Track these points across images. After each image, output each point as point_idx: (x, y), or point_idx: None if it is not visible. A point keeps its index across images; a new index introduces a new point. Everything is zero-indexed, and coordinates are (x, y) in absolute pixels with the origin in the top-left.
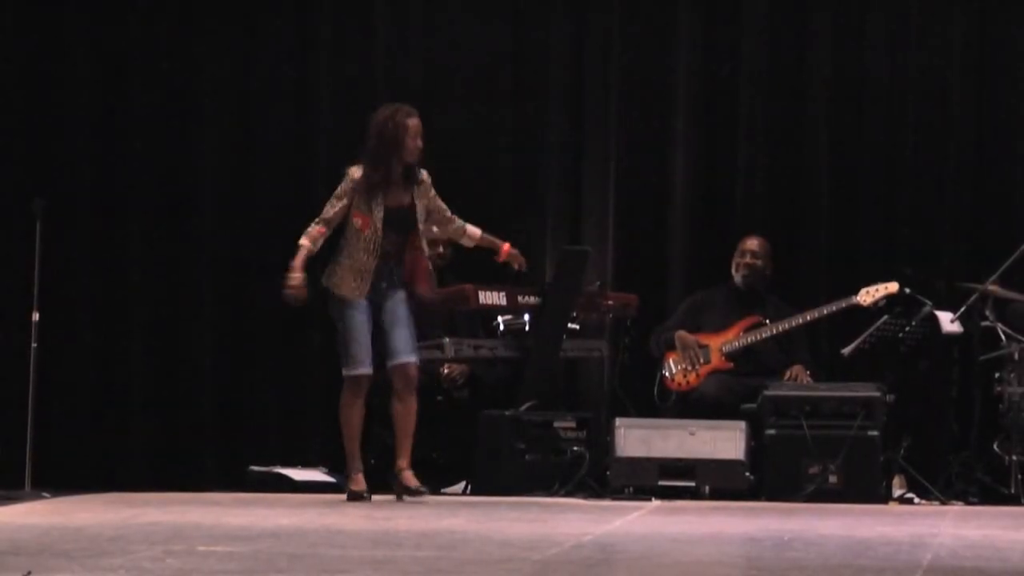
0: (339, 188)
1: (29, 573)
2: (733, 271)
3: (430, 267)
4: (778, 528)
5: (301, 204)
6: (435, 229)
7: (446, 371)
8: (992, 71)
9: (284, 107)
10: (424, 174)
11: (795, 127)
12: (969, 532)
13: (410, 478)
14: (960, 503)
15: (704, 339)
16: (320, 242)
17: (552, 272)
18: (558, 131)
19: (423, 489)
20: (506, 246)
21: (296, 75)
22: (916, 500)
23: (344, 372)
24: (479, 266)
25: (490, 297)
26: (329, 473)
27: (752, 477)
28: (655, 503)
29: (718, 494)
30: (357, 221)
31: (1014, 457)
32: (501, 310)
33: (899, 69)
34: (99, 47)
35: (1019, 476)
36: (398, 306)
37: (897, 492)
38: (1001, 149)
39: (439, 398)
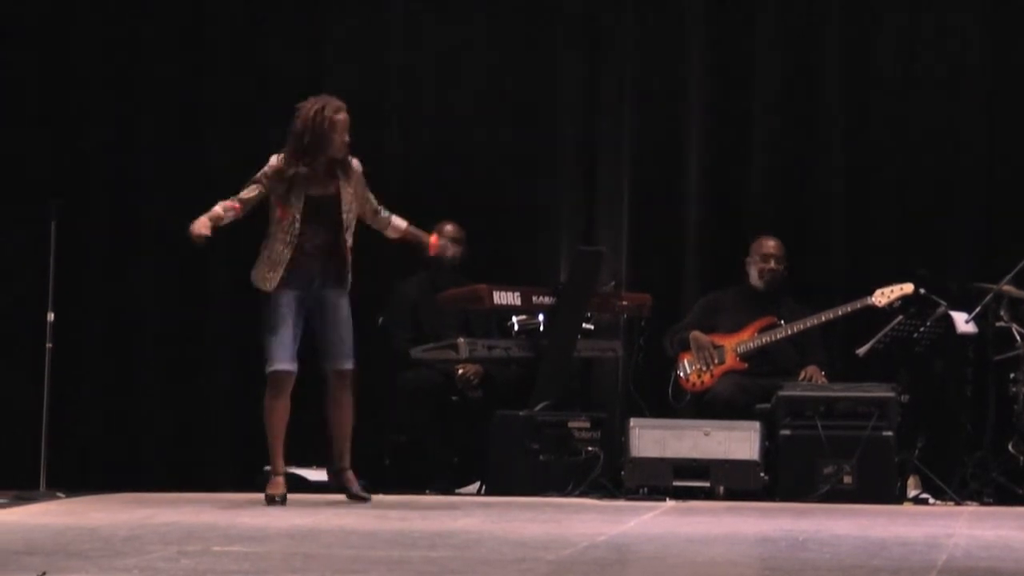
0: (257, 173)
1: (44, 573)
2: (751, 273)
3: (348, 261)
4: (792, 528)
5: None
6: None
7: (460, 371)
8: (1005, 71)
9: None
10: (355, 163)
11: (808, 128)
12: (984, 532)
13: (351, 480)
14: (975, 503)
15: (719, 339)
16: (230, 215)
17: (566, 272)
18: (572, 131)
19: (364, 495)
20: (434, 238)
21: (307, 75)
22: (931, 500)
23: (265, 368)
24: (493, 266)
25: (505, 297)
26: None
27: (766, 477)
28: (669, 503)
29: (732, 494)
30: (276, 211)
31: None
32: (515, 310)
33: (912, 69)
34: (112, 47)
35: None
36: (336, 306)
37: (912, 492)
38: (1015, 149)
39: (454, 398)
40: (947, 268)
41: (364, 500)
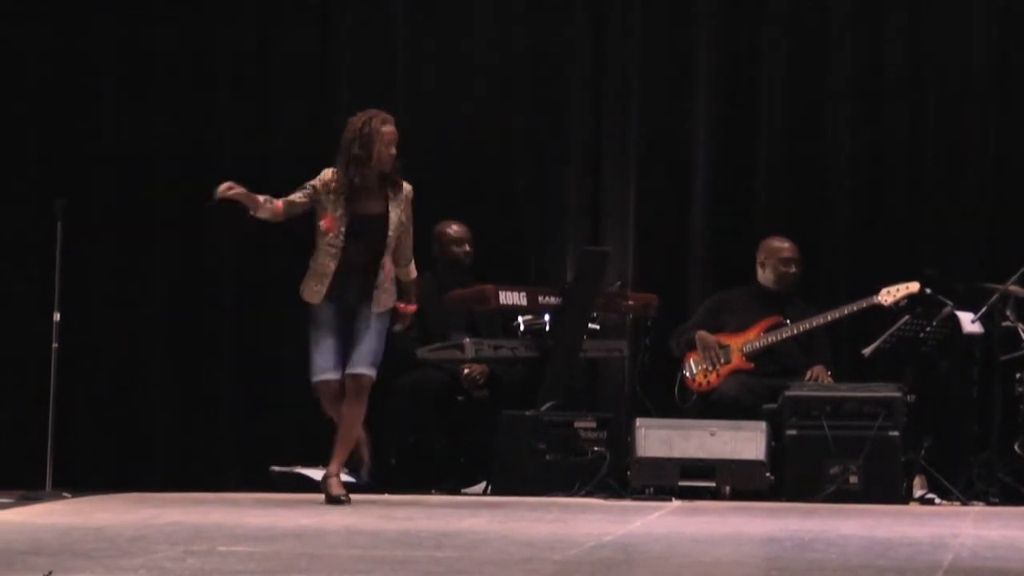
0: (307, 182)
1: (50, 573)
2: (763, 273)
3: (393, 283)
4: (798, 528)
5: None
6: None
7: (466, 371)
8: (1013, 71)
9: (303, 102)
10: (407, 188)
11: (816, 126)
12: (990, 533)
13: (335, 486)
14: (981, 504)
15: (725, 339)
16: (266, 209)
17: (572, 272)
18: (578, 131)
19: (344, 497)
20: (411, 308)
21: (317, 69)
22: (937, 501)
23: (311, 379)
24: (499, 266)
25: (511, 297)
26: (349, 473)
27: (772, 477)
28: (675, 503)
29: (738, 494)
30: (322, 223)
31: None
32: (521, 310)
33: (920, 68)
34: (119, 46)
35: None
36: (366, 317)
37: (918, 493)
38: (1022, 149)
39: (460, 398)
40: (953, 268)
41: (340, 503)
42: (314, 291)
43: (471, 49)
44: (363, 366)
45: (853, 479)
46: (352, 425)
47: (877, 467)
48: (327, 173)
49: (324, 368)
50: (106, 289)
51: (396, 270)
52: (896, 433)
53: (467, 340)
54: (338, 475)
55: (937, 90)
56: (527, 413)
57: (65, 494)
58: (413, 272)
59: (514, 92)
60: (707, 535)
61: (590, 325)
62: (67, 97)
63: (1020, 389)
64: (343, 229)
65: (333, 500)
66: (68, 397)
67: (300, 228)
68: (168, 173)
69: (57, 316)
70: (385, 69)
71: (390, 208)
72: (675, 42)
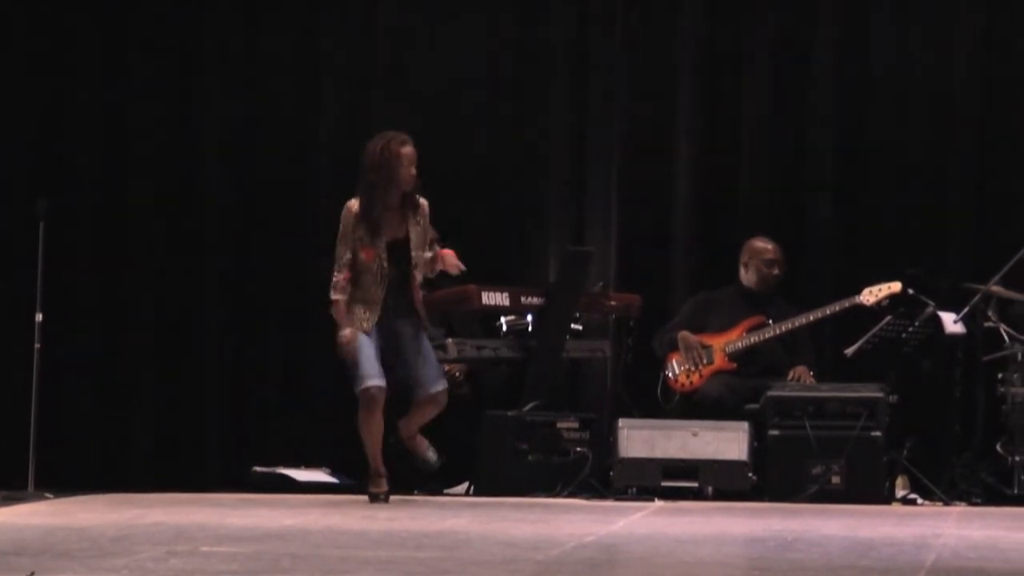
0: (340, 228)
1: (32, 574)
2: (746, 273)
3: (416, 296)
4: (781, 529)
5: (304, 201)
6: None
7: (447, 370)
8: (997, 71)
9: (287, 100)
10: (424, 205)
11: (799, 126)
12: (972, 533)
13: (421, 444)
14: (963, 504)
15: (707, 339)
16: (349, 288)
17: (555, 272)
18: (561, 131)
19: (432, 460)
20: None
21: (300, 65)
22: (919, 501)
23: (356, 390)
24: (482, 266)
25: (493, 297)
26: (332, 474)
27: (755, 478)
28: (658, 504)
29: (721, 495)
30: (362, 254)
31: (1017, 458)
32: (504, 310)
33: (904, 68)
34: (101, 45)
35: (1022, 477)
36: (414, 336)
37: (900, 493)
38: (1005, 149)
39: None
40: (936, 268)
41: (429, 464)
42: (364, 318)
43: (455, 49)
44: (440, 382)
45: (835, 479)
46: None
47: (859, 467)
48: (352, 205)
49: (373, 374)
50: (88, 289)
51: (421, 268)
52: (878, 433)
53: (449, 340)
54: (420, 435)
55: (920, 89)
56: (510, 413)
57: (47, 494)
58: (430, 254)
59: (497, 93)
60: (690, 535)
61: (573, 325)
62: (46, 95)
63: (1002, 389)
64: (384, 255)
65: (423, 464)
66: (50, 397)
67: (289, 229)
68: (151, 171)
69: (40, 316)
70: (368, 64)
71: (410, 229)
72: (660, 43)
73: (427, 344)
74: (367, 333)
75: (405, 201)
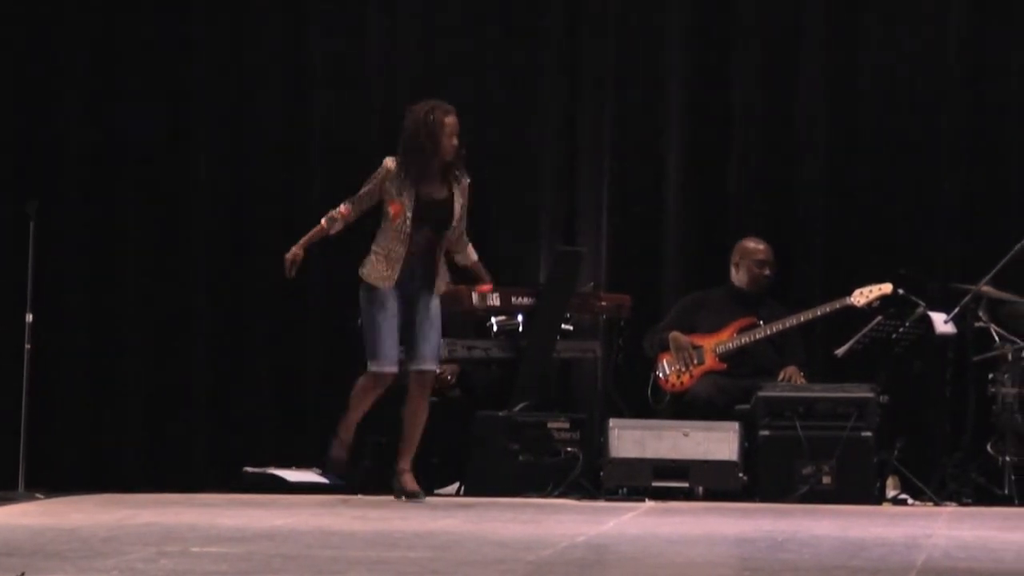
0: (372, 175)
1: (23, 574)
2: (737, 274)
3: (441, 265)
4: (772, 529)
5: (296, 199)
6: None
7: (438, 371)
8: (987, 71)
9: (277, 93)
10: (466, 179)
11: (790, 127)
12: (963, 533)
13: (409, 481)
14: (954, 504)
15: (698, 340)
16: (339, 224)
17: (546, 273)
18: (552, 131)
19: (420, 493)
20: (488, 287)
21: (290, 59)
22: (910, 501)
23: (368, 364)
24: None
25: (484, 298)
26: (323, 474)
27: (746, 478)
28: (649, 504)
29: (712, 495)
30: (390, 209)
31: (1008, 458)
32: (495, 311)
33: (893, 69)
34: (91, 44)
35: (1012, 477)
36: (428, 306)
37: (891, 493)
38: (995, 150)
39: (433, 399)
40: (926, 268)
41: (416, 498)
42: (384, 275)
43: (448, 49)
44: (431, 362)
45: (826, 479)
46: (421, 420)
47: (850, 467)
48: (389, 162)
49: (390, 359)
50: (79, 289)
51: (458, 256)
52: (869, 433)
53: (440, 341)
54: (411, 471)
55: (911, 90)
56: (500, 414)
57: (38, 495)
58: (474, 254)
59: (489, 93)
60: (680, 536)
61: (563, 326)
62: (35, 93)
63: (993, 390)
64: (410, 214)
65: (407, 494)
66: (41, 398)
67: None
68: (139, 169)
69: (30, 316)
70: (360, 63)
71: (455, 193)
72: (648, 44)
73: (437, 320)
74: (385, 294)
75: (446, 171)
